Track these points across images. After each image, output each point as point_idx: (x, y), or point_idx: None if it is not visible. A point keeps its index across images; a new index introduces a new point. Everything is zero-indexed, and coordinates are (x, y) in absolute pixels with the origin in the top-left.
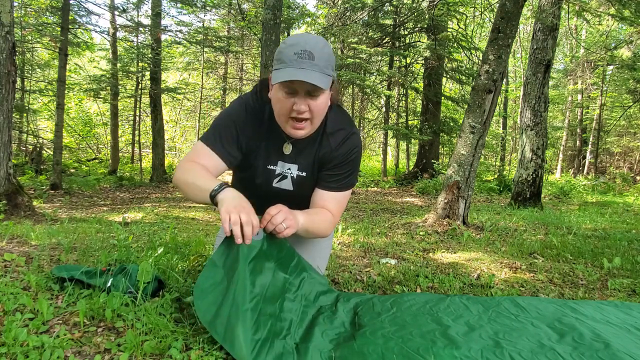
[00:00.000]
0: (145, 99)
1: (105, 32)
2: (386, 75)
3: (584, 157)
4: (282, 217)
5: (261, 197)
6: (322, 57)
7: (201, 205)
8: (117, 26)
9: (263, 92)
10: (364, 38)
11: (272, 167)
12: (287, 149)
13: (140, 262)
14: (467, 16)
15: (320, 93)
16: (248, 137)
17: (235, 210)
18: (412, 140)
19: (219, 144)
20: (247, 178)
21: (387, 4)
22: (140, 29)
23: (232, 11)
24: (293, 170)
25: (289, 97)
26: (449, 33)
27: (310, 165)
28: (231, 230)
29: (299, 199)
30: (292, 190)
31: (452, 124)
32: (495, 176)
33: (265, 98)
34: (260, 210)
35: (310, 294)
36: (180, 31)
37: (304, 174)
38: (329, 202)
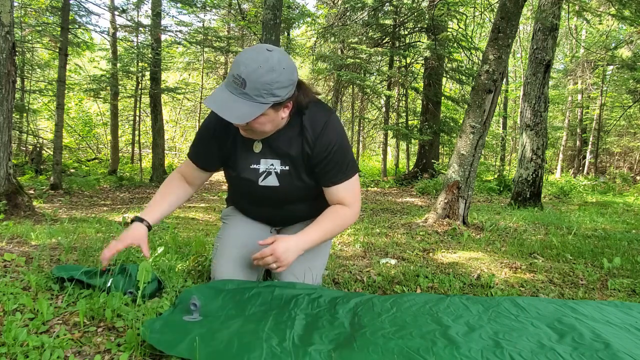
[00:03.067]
0: (145, 99)
1: (105, 32)
2: (386, 75)
3: (584, 157)
4: (272, 260)
5: (251, 195)
6: (255, 84)
7: (201, 205)
8: (117, 26)
9: None
10: (364, 38)
11: (255, 166)
12: (257, 147)
13: (140, 262)
14: (467, 16)
15: (254, 121)
16: (224, 140)
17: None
18: (412, 140)
19: (192, 152)
20: (234, 178)
21: (387, 4)
22: (140, 29)
23: (232, 11)
24: (276, 165)
25: None
26: (449, 33)
27: (296, 158)
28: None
29: (286, 195)
30: (278, 185)
31: (452, 124)
32: (495, 176)
33: None
34: (253, 209)
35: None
36: (180, 31)
37: (287, 167)
38: (341, 195)
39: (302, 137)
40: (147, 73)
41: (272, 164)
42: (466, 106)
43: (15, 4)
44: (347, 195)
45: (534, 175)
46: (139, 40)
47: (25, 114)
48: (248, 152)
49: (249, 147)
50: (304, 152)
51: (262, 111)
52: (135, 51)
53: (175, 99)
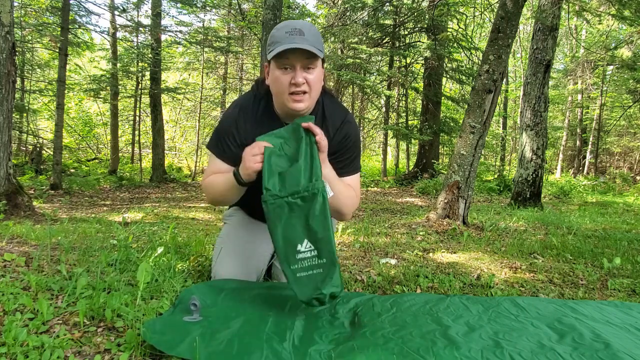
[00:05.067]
0: (145, 99)
1: (105, 32)
2: (386, 75)
3: (584, 157)
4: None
5: (261, 190)
6: (311, 34)
7: (201, 205)
8: (117, 26)
9: (259, 88)
10: (364, 38)
11: None
12: None
13: (140, 262)
14: (467, 16)
15: (315, 65)
16: (246, 134)
17: (248, 162)
18: (412, 140)
19: (226, 152)
20: None
21: (387, 4)
22: (140, 29)
23: (232, 11)
24: None
25: (286, 72)
26: (449, 33)
27: None
28: None
29: None
30: None
31: (452, 124)
32: (495, 176)
33: (262, 92)
34: (260, 207)
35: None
36: (180, 31)
37: None
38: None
39: (322, 127)
40: (147, 73)
41: None
42: (466, 106)
43: (15, 4)
44: (353, 187)
45: (534, 175)
46: (139, 40)
47: (25, 114)
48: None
49: None
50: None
51: (322, 56)
52: (135, 51)
53: (175, 99)
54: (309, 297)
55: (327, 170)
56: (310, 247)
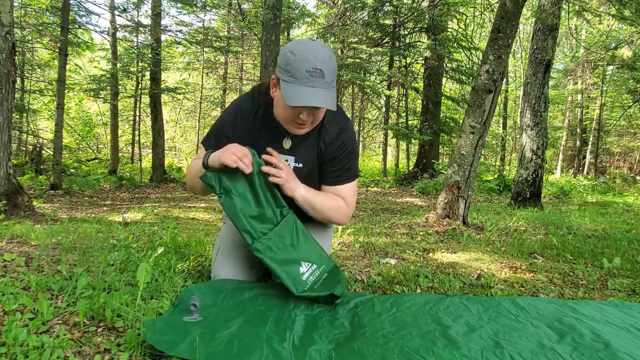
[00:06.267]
0: (145, 99)
1: (105, 32)
2: (386, 75)
3: (584, 157)
4: (281, 172)
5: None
6: (330, 72)
7: (201, 205)
8: (117, 26)
9: (261, 97)
10: (364, 38)
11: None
12: (287, 143)
13: (141, 263)
14: (467, 16)
15: None
16: (242, 135)
17: (227, 153)
18: (412, 140)
19: (214, 145)
20: None
21: (387, 4)
22: (140, 29)
23: (232, 11)
24: (290, 162)
25: (296, 109)
26: (449, 33)
27: (309, 157)
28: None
29: None
30: None
31: (452, 124)
32: (495, 176)
33: (262, 101)
34: None
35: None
36: (180, 31)
37: (301, 165)
38: (339, 195)
39: (319, 134)
40: (147, 73)
41: (286, 160)
42: (466, 106)
43: (15, 4)
44: (345, 196)
45: (534, 175)
46: (139, 40)
47: (25, 114)
48: (269, 147)
49: (278, 143)
50: (318, 148)
51: (336, 94)
52: (135, 51)
53: (175, 99)
54: (326, 297)
55: (302, 189)
56: (307, 264)
